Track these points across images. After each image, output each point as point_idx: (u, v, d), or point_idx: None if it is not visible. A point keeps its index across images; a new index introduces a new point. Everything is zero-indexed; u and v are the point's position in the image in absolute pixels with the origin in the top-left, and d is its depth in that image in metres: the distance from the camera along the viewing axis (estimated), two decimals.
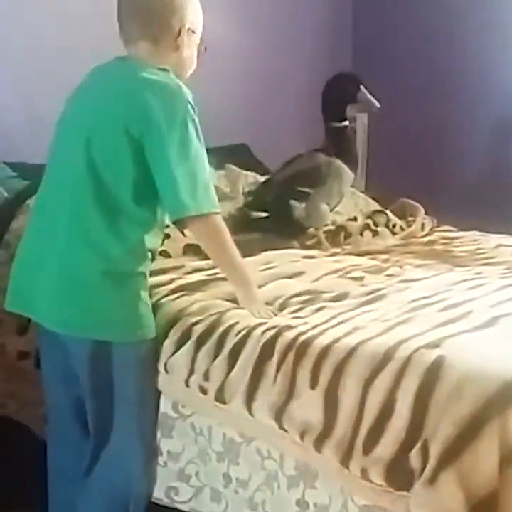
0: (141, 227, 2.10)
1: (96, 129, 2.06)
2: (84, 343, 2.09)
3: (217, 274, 2.41)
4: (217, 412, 2.09)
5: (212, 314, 2.18)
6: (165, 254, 2.62)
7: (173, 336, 2.18)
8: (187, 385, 2.13)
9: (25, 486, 2.41)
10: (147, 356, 2.15)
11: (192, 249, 2.67)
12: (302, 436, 1.92)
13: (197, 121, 2.05)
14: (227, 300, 2.26)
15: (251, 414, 2.01)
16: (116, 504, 2.18)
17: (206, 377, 2.10)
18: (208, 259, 2.52)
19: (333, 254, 2.82)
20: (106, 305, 2.07)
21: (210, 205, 2.06)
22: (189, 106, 2.04)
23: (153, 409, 2.20)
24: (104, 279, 2.05)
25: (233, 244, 2.13)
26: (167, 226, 2.29)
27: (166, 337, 2.18)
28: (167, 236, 2.56)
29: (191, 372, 2.13)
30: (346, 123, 2.98)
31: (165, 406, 2.21)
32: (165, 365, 2.17)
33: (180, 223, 2.10)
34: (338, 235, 3.09)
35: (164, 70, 2.11)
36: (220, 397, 2.07)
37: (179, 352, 2.15)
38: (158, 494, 2.23)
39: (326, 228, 3.11)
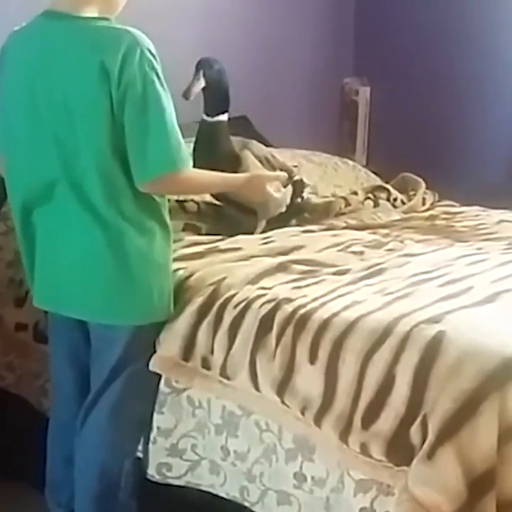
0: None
1: (54, 106, 1.93)
2: (124, 329, 2.07)
3: (214, 247, 2.40)
4: (220, 388, 2.08)
5: (210, 284, 2.16)
6: None
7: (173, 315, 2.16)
8: (187, 361, 2.12)
9: (23, 458, 2.41)
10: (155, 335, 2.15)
11: (191, 228, 2.65)
12: (303, 411, 1.92)
13: (159, 70, 1.93)
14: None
15: (257, 389, 2.00)
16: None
17: (209, 353, 2.09)
18: (207, 235, 2.51)
19: (332, 228, 2.80)
20: (148, 288, 2.04)
21: (188, 159, 1.99)
22: (148, 54, 1.91)
23: (150, 389, 2.19)
24: (143, 262, 2.02)
25: (205, 178, 2.14)
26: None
27: None
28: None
29: (191, 349, 2.11)
30: (218, 118, 2.55)
31: None
32: (158, 342, 2.15)
33: (156, 181, 1.97)
34: (339, 205, 3.06)
35: (104, 18, 1.97)
36: (224, 373, 2.06)
37: (173, 330, 2.13)
38: (150, 471, 2.23)
39: (326, 199, 3.09)
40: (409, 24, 4.14)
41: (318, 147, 3.58)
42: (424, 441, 1.72)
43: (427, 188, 3.39)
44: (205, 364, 2.10)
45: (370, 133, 4.24)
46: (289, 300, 2.05)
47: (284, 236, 2.59)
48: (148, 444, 2.23)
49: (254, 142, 2.75)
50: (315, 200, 3.08)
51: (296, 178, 2.83)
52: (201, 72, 2.51)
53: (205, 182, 2.17)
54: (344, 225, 2.84)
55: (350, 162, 3.63)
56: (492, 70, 3.96)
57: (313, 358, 1.93)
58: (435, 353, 1.78)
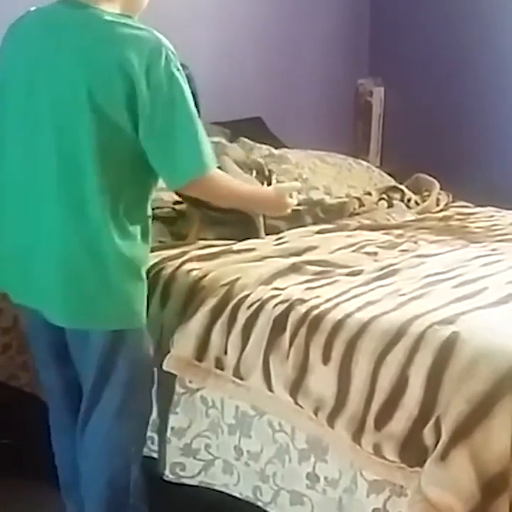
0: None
1: (58, 97, 1.86)
2: (102, 334, 1.99)
3: (228, 248, 2.40)
4: (233, 388, 2.09)
5: (224, 285, 2.17)
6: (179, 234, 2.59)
7: (187, 315, 2.17)
8: (200, 361, 2.12)
9: (37, 457, 2.42)
10: (147, 340, 2.09)
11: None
12: (316, 412, 1.92)
13: (182, 70, 1.89)
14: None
15: (270, 389, 2.01)
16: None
17: (223, 353, 2.10)
18: (222, 239, 2.50)
19: (346, 228, 2.79)
20: (126, 293, 1.97)
21: (214, 161, 1.95)
22: (172, 56, 1.86)
23: (147, 391, 2.15)
24: (122, 266, 1.94)
25: (236, 186, 2.12)
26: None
27: (178, 315, 2.18)
28: (182, 214, 2.54)
29: (205, 349, 2.12)
30: None
31: None
32: (172, 342, 2.16)
33: (190, 185, 1.93)
34: (353, 206, 3.05)
35: (127, 16, 1.89)
36: (237, 373, 2.07)
37: (187, 330, 2.14)
38: (165, 470, 2.24)
39: (340, 200, 3.08)
40: (424, 25, 4.14)
41: (332, 148, 3.58)
42: (437, 442, 1.72)
43: (441, 188, 3.38)
44: (219, 364, 2.10)
45: (384, 134, 4.24)
46: (303, 301, 2.05)
47: (297, 237, 2.60)
48: (162, 443, 2.24)
49: (232, 145, 2.67)
50: (329, 200, 3.08)
51: (267, 174, 2.73)
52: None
53: (241, 190, 2.14)
54: (358, 225, 2.84)
55: (364, 163, 3.62)
56: (507, 71, 3.95)
57: (326, 359, 1.93)
58: (449, 354, 1.78)
